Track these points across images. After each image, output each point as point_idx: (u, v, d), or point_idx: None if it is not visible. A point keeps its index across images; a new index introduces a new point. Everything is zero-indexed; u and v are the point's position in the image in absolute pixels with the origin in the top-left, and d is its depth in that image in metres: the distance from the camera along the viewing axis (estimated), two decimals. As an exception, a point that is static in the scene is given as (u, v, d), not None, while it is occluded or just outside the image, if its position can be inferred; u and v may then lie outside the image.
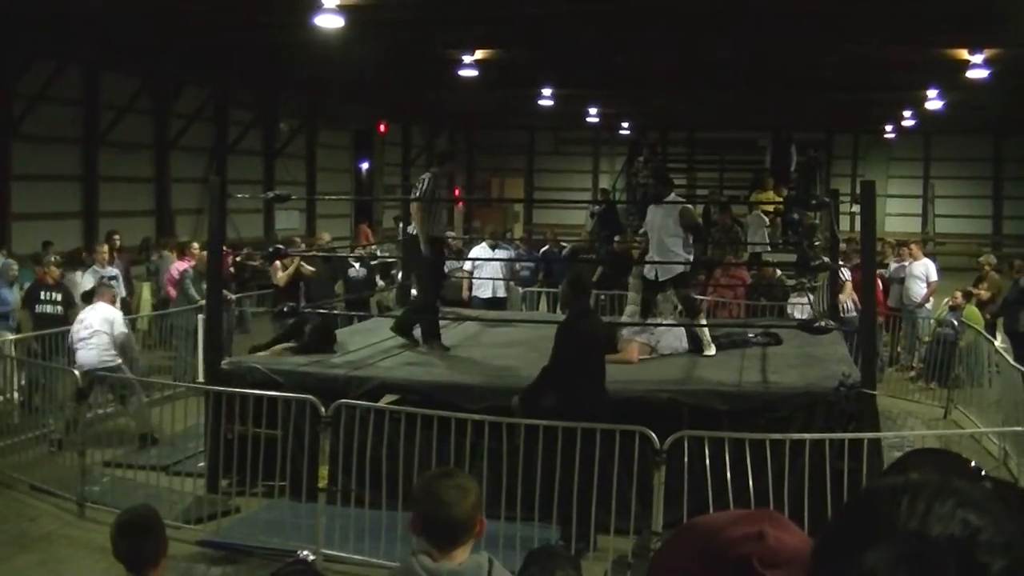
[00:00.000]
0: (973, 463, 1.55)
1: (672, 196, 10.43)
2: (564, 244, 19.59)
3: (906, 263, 15.10)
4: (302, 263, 13.15)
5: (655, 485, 7.19)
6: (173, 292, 14.17)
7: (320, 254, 15.09)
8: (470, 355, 10.19)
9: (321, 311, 11.27)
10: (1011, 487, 1.24)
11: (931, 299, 15.01)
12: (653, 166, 23.45)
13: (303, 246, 14.78)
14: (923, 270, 14.92)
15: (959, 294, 14.20)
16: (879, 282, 13.19)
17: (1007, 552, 0.97)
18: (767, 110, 26.15)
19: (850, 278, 12.80)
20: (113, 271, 13.46)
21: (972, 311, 13.83)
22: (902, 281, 15.00)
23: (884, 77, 19.86)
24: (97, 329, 10.35)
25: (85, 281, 13.20)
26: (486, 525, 3.39)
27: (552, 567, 3.72)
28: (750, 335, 10.66)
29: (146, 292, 16.07)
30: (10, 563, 7.57)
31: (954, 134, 31.74)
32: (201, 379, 10.68)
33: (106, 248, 13.77)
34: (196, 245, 14.88)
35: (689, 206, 10.27)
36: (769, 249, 18.05)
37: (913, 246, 15.56)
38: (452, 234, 13.95)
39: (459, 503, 3.24)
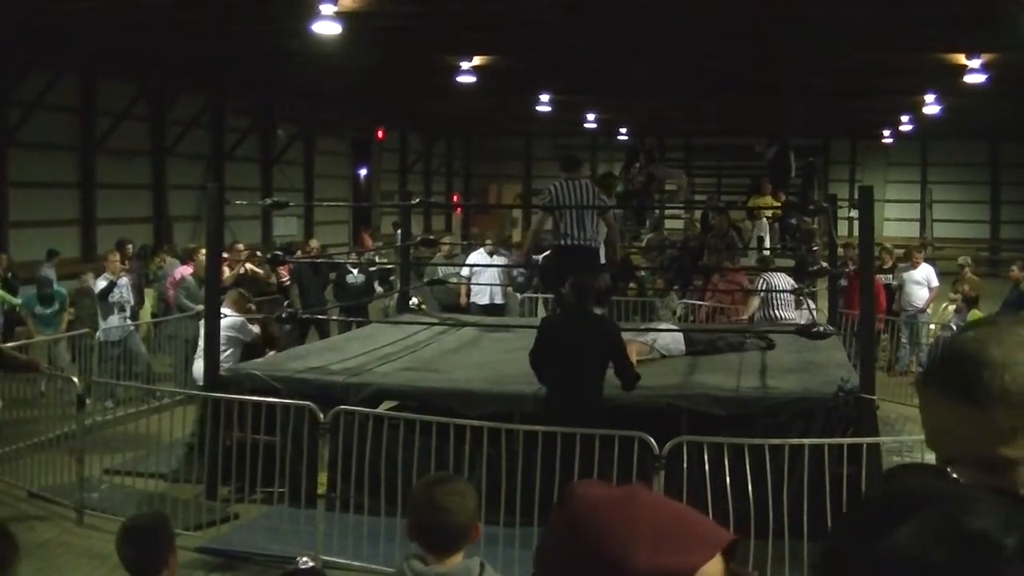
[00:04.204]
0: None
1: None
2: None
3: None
4: (252, 266, 13.20)
5: (654, 490, 7.18)
6: (172, 292, 14.18)
7: (317, 260, 15.11)
8: (468, 361, 10.18)
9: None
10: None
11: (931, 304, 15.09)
12: (647, 172, 23.50)
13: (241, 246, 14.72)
14: (924, 275, 14.97)
15: (959, 296, 14.29)
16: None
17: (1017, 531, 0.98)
18: (765, 116, 26.17)
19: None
20: (124, 279, 13.45)
21: (976, 316, 13.83)
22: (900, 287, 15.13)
23: (882, 82, 19.89)
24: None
25: (98, 286, 13.25)
26: (481, 531, 3.38)
27: None
28: (745, 340, 10.67)
29: (146, 299, 16.06)
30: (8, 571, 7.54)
31: (952, 139, 31.77)
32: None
33: (118, 256, 13.73)
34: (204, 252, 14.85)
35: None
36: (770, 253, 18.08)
37: (916, 253, 15.61)
38: (448, 240, 13.96)
39: (459, 510, 3.23)
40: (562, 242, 9.44)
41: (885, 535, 0.99)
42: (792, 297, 13.37)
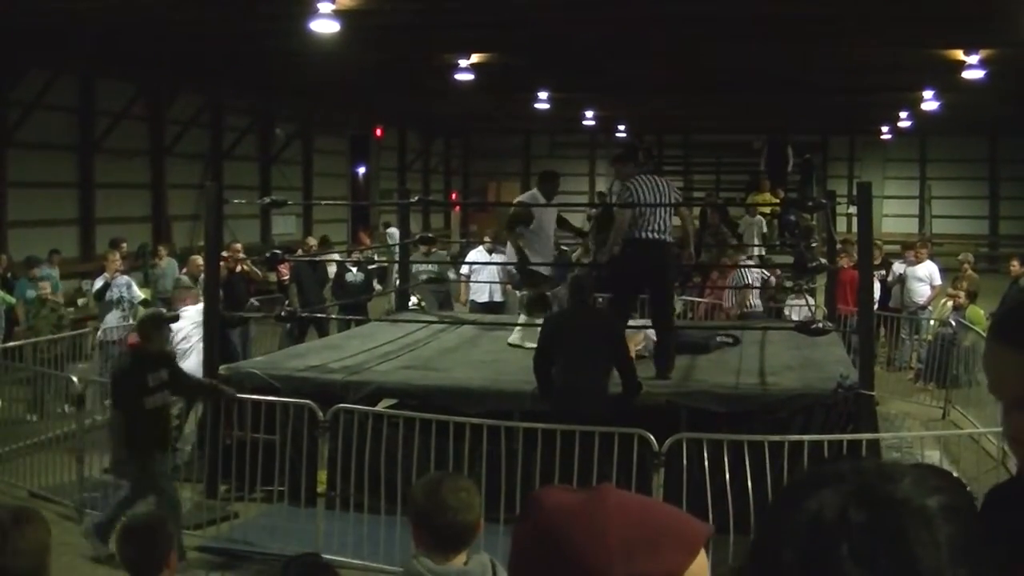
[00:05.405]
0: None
1: None
2: (564, 247, 19.47)
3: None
4: (243, 264, 13.24)
5: (654, 488, 7.18)
6: None
7: (315, 258, 15.11)
8: (468, 359, 10.19)
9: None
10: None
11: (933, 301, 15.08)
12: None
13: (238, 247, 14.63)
14: (927, 272, 14.95)
15: (962, 294, 14.28)
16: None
17: (937, 492, 1.01)
18: (764, 113, 26.17)
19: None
20: (125, 279, 13.42)
21: (975, 311, 13.79)
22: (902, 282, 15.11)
23: (880, 79, 19.88)
24: (192, 338, 10.18)
25: (95, 285, 13.24)
26: (482, 528, 3.38)
27: None
28: (718, 338, 10.66)
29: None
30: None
31: (950, 135, 31.76)
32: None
33: (118, 256, 13.70)
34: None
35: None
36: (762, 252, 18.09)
37: (920, 249, 15.58)
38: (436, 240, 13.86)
39: (467, 508, 3.22)
40: (638, 235, 9.17)
41: (809, 499, 1.01)
42: (758, 287, 14.43)
